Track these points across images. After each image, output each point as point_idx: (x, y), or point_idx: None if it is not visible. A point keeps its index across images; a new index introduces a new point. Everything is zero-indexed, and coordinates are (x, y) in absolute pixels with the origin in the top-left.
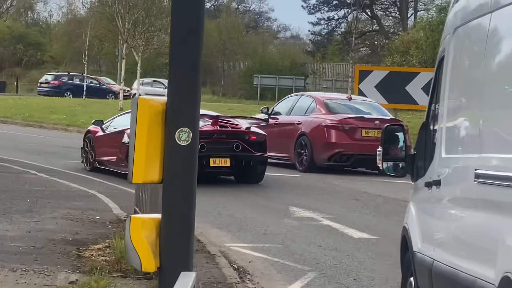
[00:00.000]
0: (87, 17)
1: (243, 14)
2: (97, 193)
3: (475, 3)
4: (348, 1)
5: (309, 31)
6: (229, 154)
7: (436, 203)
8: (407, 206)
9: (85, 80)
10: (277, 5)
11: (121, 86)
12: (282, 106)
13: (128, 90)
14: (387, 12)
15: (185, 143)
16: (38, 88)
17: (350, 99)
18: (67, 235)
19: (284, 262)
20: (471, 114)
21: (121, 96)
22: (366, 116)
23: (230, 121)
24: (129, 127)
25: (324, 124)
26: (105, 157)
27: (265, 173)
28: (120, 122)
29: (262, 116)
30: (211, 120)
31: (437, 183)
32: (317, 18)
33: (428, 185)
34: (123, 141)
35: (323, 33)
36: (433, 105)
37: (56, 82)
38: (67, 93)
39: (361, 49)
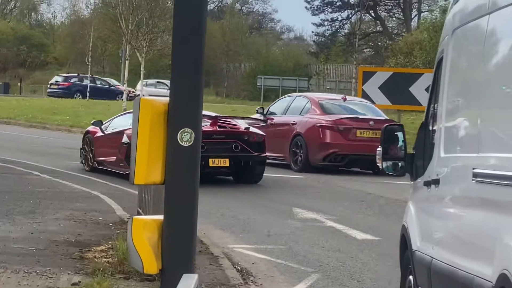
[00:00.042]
0: (90, 18)
1: (246, 15)
2: (100, 194)
3: (473, 4)
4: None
5: (312, 32)
6: (228, 155)
7: (435, 202)
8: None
9: (88, 81)
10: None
11: (125, 87)
12: (277, 106)
13: (133, 91)
14: (391, 13)
15: (187, 144)
16: (48, 90)
17: (344, 99)
18: (70, 237)
19: (287, 264)
20: (469, 114)
21: (124, 97)
22: (360, 116)
23: (229, 121)
24: (128, 127)
25: (319, 124)
26: (104, 157)
27: (269, 175)
28: (119, 123)
29: (257, 116)
30: (210, 121)
31: (436, 182)
32: (321, 19)
33: (427, 184)
34: (123, 141)
35: (327, 34)
36: (432, 105)
37: (66, 83)
38: (76, 95)
39: (365, 50)
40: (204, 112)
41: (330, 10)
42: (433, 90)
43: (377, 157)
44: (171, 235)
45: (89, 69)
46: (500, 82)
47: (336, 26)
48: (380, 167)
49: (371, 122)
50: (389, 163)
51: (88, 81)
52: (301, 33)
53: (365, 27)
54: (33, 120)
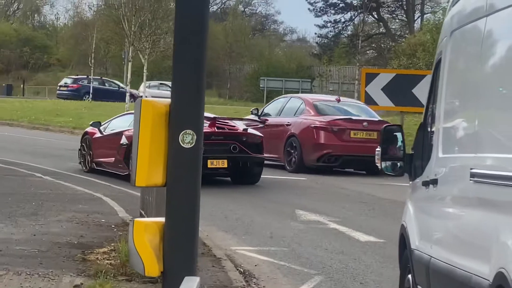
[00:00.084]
0: (93, 20)
1: (249, 17)
2: (103, 196)
3: (471, 7)
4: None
5: (315, 33)
6: (226, 156)
7: (433, 201)
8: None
9: (91, 82)
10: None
11: (127, 88)
12: (272, 107)
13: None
14: (394, 15)
15: (189, 146)
16: (57, 91)
17: (338, 101)
18: (72, 238)
19: (290, 266)
20: (467, 115)
21: (127, 98)
22: (354, 117)
23: (227, 123)
24: (127, 128)
25: (313, 125)
26: (103, 158)
27: (271, 176)
28: (118, 124)
29: (252, 117)
30: (209, 122)
31: (434, 182)
32: (324, 21)
33: (426, 184)
34: (121, 142)
35: (330, 36)
36: (431, 106)
37: (75, 85)
38: (85, 97)
39: (368, 51)
40: None
41: (333, 11)
42: (432, 91)
43: (376, 157)
44: (173, 238)
45: (92, 70)
46: (498, 83)
47: (339, 28)
48: (379, 167)
49: (365, 123)
50: (388, 163)
51: (91, 83)
52: (304, 35)
53: (368, 29)
54: (36, 122)
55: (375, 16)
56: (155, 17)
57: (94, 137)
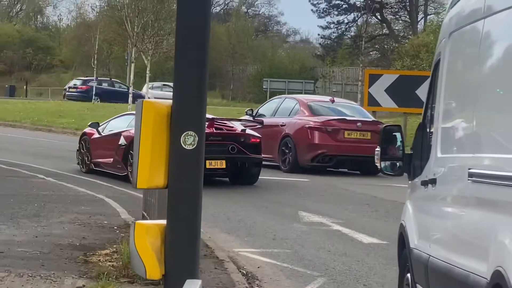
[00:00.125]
0: (96, 21)
1: (252, 18)
2: (105, 198)
3: (469, 9)
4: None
5: (318, 35)
6: (224, 156)
7: (432, 201)
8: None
9: (94, 83)
10: (287, 9)
11: (131, 90)
12: (266, 108)
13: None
14: (397, 16)
15: (190, 147)
16: (67, 93)
17: (333, 101)
18: (74, 240)
19: (293, 268)
20: (465, 115)
21: (130, 100)
22: (348, 118)
23: (225, 123)
24: (125, 129)
25: (307, 125)
26: (101, 159)
27: (274, 178)
28: (116, 125)
29: (247, 117)
30: (207, 123)
31: (433, 181)
32: (327, 22)
33: (424, 183)
34: (120, 143)
35: (333, 37)
36: (429, 106)
37: (84, 87)
38: (95, 98)
39: (371, 53)
40: None
41: (336, 12)
42: (430, 92)
43: (376, 157)
44: (174, 240)
45: (94, 72)
46: (495, 85)
47: (342, 29)
48: (379, 167)
49: (358, 124)
50: (387, 163)
51: (94, 84)
52: (307, 36)
53: (371, 30)
54: (38, 123)
55: (379, 17)
56: (158, 18)
57: (92, 137)
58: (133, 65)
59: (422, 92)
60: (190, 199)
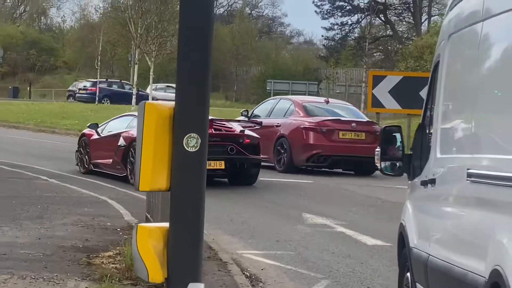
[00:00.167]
0: (100, 23)
1: (256, 19)
2: (108, 199)
3: (468, 11)
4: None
5: (322, 36)
6: (224, 157)
7: (431, 200)
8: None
9: (98, 85)
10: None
11: (134, 91)
12: (261, 109)
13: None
14: (401, 17)
15: (193, 150)
16: (77, 95)
17: (327, 102)
18: (77, 242)
19: (297, 270)
20: (464, 116)
21: (133, 101)
22: (343, 118)
23: (224, 124)
24: (124, 130)
25: (302, 126)
26: (100, 160)
27: (279, 179)
28: (115, 126)
29: (242, 118)
30: None
31: (432, 181)
32: (331, 23)
33: (424, 183)
34: (119, 144)
35: (337, 38)
36: (429, 107)
37: (94, 88)
38: (104, 99)
39: (375, 54)
40: None
41: (340, 14)
42: (430, 93)
43: (376, 157)
44: (177, 243)
45: (98, 73)
46: (493, 86)
47: (346, 30)
48: (379, 167)
49: (353, 124)
50: (388, 163)
51: (98, 85)
52: (311, 37)
53: (375, 31)
54: (42, 125)
55: (382, 18)
56: (162, 19)
57: (91, 138)
58: (136, 66)
59: (426, 93)
60: (193, 202)
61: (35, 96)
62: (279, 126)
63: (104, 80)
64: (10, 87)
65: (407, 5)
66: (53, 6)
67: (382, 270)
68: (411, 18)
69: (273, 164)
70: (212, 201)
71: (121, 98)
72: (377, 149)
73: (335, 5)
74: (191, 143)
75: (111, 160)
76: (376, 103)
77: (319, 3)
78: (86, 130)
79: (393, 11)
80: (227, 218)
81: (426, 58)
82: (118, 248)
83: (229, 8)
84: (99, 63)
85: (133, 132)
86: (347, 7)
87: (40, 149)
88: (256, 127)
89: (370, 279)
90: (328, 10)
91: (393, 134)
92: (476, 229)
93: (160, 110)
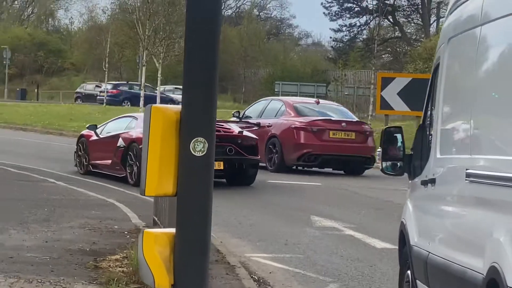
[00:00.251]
0: (107, 24)
1: (264, 21)
2: (116, 202)
3: (467, 16)
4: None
5: (330, 38)
6: (222, 158)
7: (431, 200)
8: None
9: (105, 87)
10: (299, 12)
11: (142, 93)
12: (253, 110)
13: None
14: (409, 19)
15: (200, 154)
16: (98, 97)
17: (318, 103)
18: (85, 245)
19: (305, 273)
20: (463, 118)
21: (141, 103)
22: (333, 118)
23: (223, 125)
24: (123, 131)
25: (293, 126)
26: (99, 161)
27: (287, 182)
28: (113, 127)
29: (234, 119)
30: None
31: (432, 181)
32: (339, 25)
33: (424, 183)
34: (118, 145)
35: (345, 40)
36: (429, 109)
37: (114, 91)
38: (125, 102)
39: (383, 56)
40: None
41: (348, 15)
42: (430, 95)
43: (377, 157)
44: (184, 249)
45: (106, 75)
46: (491, 89)
47: (354, 32)
48: (380, 167)
49: (343, 124)
50: (389, 163)
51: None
52: (319, 39)
53: (383, 33)
54: (49, 127)
55: (391, 20)
56: (169, 21)
57: (90, 139)
58: (144, 68)
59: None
60: (200, 207)
61: (43, 98)
62: (270, 126)
63: (125, 82)
64: (18, 89)
65: (415, 7)
66: (61, 8)
67: (391, 273)
68: (420, 19)
69: (265, 164)
70: (219, 203)
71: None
72: (378, 150)
73: (343, 7)
74: (198, 147)
75: (110, 161)
76: (385, 105)
77: (327, 5)
78: (85, 131)
79: (402, 13)
80: (235, 221)
81: None
82: (125, 251)
83: (237, 9)
84: (107, 65)
85: (132, 133)
86: (356, 9)
87: (48, 151)
88: (254, 128)
89: (379, 283)
90: (337, 12)
91: (394, 134)
92: (474, 228)
93: (167, 114)
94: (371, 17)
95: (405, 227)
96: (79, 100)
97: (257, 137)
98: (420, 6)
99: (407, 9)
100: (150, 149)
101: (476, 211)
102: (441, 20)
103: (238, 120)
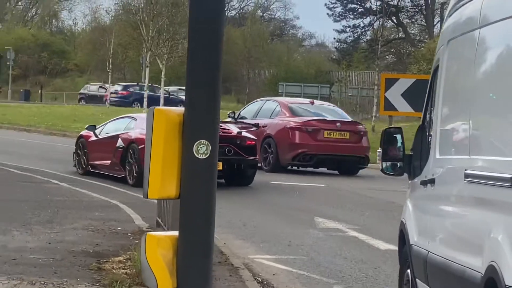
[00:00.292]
0: (111, 25)
1: (268, 22)
2: (119, 203)
3: (466, 18)
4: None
5: (334, 38)
6: (221, 158)
7: (430, 200)
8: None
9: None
10: (302, 13)
11: (145, 94)
12: (248, 110)
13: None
14: (413, 20)
15: (203, 157)
16: (110, 98)
17: (312, 103)
18: (88, 247)
19: (309, 275)
20: (461, 119)
21: (145, 104)
22: (328, 118)
23: (221, 126)
24: (122, 132)
25: (288, 126)
26: (98, 161)
27: (290, 183)
28: (112, 128)
29: (229, 120)
30: None
31: (432, 181)
32: (343, 26)
33: (424, 183)
34: (117, 145)
35: (349, 41)
36: (429, 110)
37: (125, 92)
38: (135, 103)
39: (387, 57)
40: None
41: (352, 16)
42: (429, 96)
43: (377, 158)
44: (187, 252)
45: (109, 76)
46: (489, 90)
47: (358, 33)
48: (380, 167)
49: (338, 124)
50: (389, 163)
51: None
52: (323, 40)
53: (387, 34)
54: (53, 128)
55: (395, 21)
56: (173, 22)
57: (89, 140)
58: (148, 69)
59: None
60: (203, 210)
61: (47, 99)
62: (266, 126)
63: (135, 84)
64: (21, 90)
65: (419, 8)
66: (64, 9)
67: (395, 275)
68: (424, 20)
69: (260, 164)
70: (223, 205)
71: (151, 102)
72: (378, 150)
73: (347, 8)
74: (201, 150)
75: (109, 161)
76: (389, 106)
77: (331, 6)
78: (84, 132)
79: (406, 14)
80: (239, 222)
81: None
82: (128, 253)
83: (241, 10)
84: (110, 66)
85: (132, 134)
86: (359, 10)
87: (51, 153)
88: (253, 129)
89: (383, 284)
90: (340, 13)
91: (394, 135)
92: (473, 227)
93: (170, 116)
94: (375, 18)
95: (405, 227)
96: (82, 101)
97: (255, 138)
98: (424, 7)
99: (411, 10)
100: (153, 151)
101: (474, 211)
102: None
103: (233, 120)
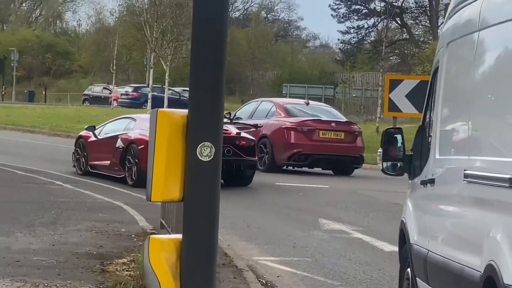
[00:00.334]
0: (115, 26)
1: (272, 23)
2: (123, 205)
3: (465, 21)
4: (378, 10)
5: (338, 40)
6: None
7: (430, 199)
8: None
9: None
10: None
11: (150, 95)
12: (243, 111)
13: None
14: (417, 21)
15: (207, 159)
16: (120, 100)
17: (307, 104)
18: (91, 249)
19: (313, 277)
20: (461, 120)
21: (149, 105)
22: (323, 118)
23: None
24: (121, 132)
25: (284, 126)
26: (98, 161)
27: (295, 185)
28: (112, 128)
29: (225, 121)
30: None
31: (431, 181)
32: (347, 27)
33: (424, 183)
34: (117, 146)
35: (353, 42)
36: (428, 110)
37: (135, 93)
38: (145, 105)
39: (391, 58)
40: None
41: (356, 17)
42: (429, 97)
43: (378, 158)
44: (190, 255)
45: (113, 77)
46: (488, 92)
47: (362, 34)
48: (381, 167)
49: (333, 124)
50: (389, 163)
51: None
52: (327, 41)
53: (391, 35)
54: (57, 129)
55: (399, 22)
56: (177, 23)
57: (89, 140)
58: (152, 70)
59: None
60: (207, 213)
61: (51, 100)
62: (261, 126)
63: (146, 85)
64: (25, 91)
65: (423, 9)
66: (68, 10)
67: None
68: (428, 21)
69: None
70: (227, 206)
71: (162, 104)
72: (379, 150)
73: (351, 9)
74: (205, 152)
75: (109, 161)
76: (393, 107)
77: (335, 7)
78: (83, 132)
79: (410, 15)
80: (243, 224)
81: None
82: (132, 255)
83: (245, 11)
84: (114, 67)
85: (131, 134)
86: (363, 11)
87: (55, 154)
88: (251, 130)
89: (387, 286)
90: (344, 14)
91: (395, 135)
92: (472, 227)
93: (173, 118)
94: (379, 19)
95: (405, 226)
96: (86, 102)
97: (254, 138)
98: (428, 8)
99: (415, 11)
100: (156, 154)
101: (474, 211)
102: None
103: (229, 121)
